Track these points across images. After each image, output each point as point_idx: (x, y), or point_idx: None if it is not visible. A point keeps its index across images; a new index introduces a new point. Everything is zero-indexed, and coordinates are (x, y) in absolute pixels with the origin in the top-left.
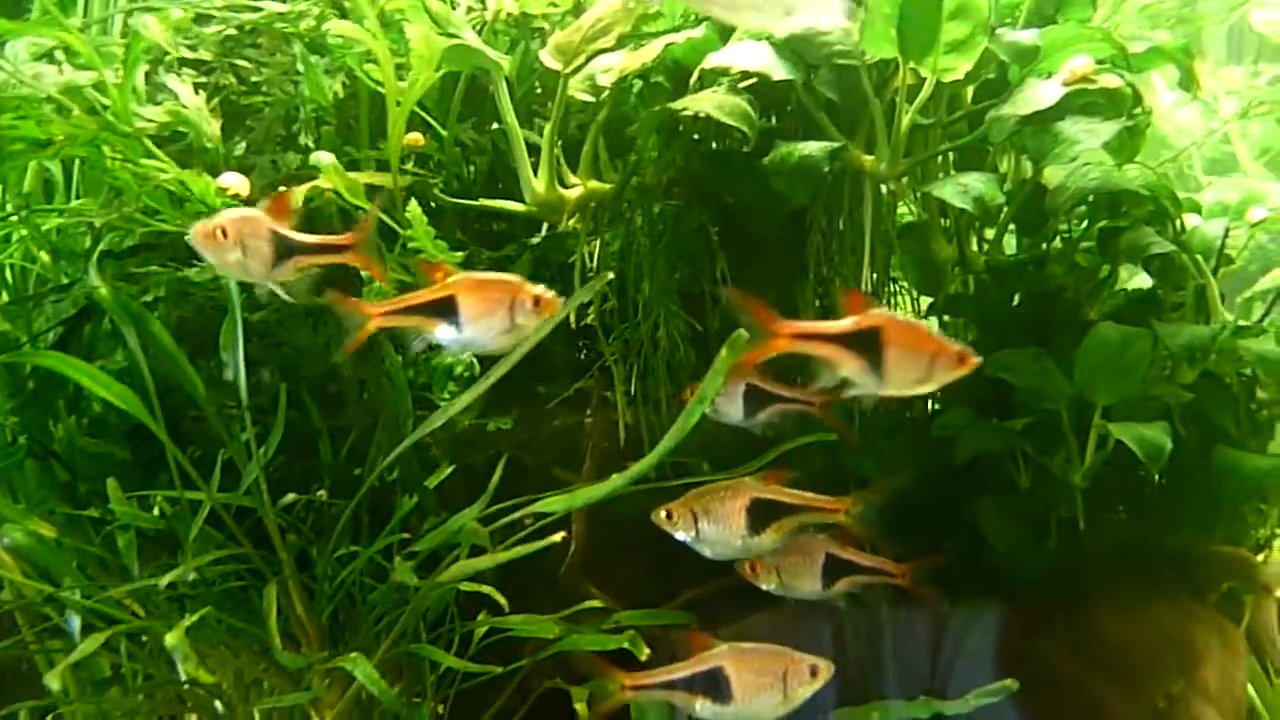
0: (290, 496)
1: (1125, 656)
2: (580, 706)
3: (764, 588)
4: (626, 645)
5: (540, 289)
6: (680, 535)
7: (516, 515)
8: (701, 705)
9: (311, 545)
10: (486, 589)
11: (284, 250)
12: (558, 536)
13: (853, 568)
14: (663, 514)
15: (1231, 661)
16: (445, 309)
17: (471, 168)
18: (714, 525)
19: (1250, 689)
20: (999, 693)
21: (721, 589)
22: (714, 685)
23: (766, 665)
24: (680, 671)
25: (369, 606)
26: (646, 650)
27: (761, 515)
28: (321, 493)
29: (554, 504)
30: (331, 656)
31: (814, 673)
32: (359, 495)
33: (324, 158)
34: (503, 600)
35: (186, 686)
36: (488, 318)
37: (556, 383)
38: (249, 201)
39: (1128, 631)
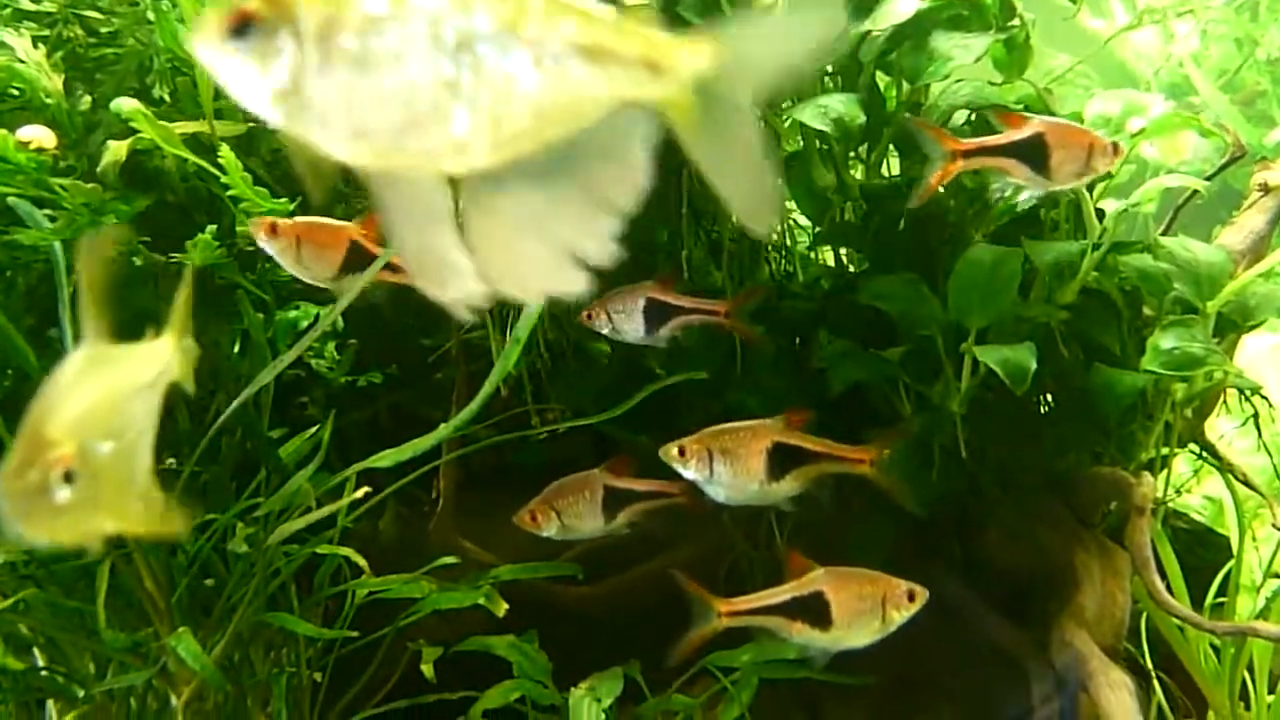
0: None
1: (1013, 583)
2: (427, 669)
3: (545, 533)
4: (482, 601)
5: None
6: (691, 474)
7: (347, 473)
8: (799, 630)
9: None
10: (345, 551)
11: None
12: (360, 492)
13: (633, 496)
14: (674, 450)
15: (1114, 584)
16: None
17: None
18: (730, 467)
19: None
20: None
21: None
22: (813, 610)
23: (865, 590)
24: (778, 597)
25: (225, 576)
26: (504, 605)
27: (782, 461)
28: (170, 460)
29: (384, 460)
30: (174, 632)
31: (911, 597)
32: (190, 461)
33: (125, 104)
34: (363, 562)
35: (44, 673)
36: None
37: (439, 333)
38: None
39: (1015, 557)
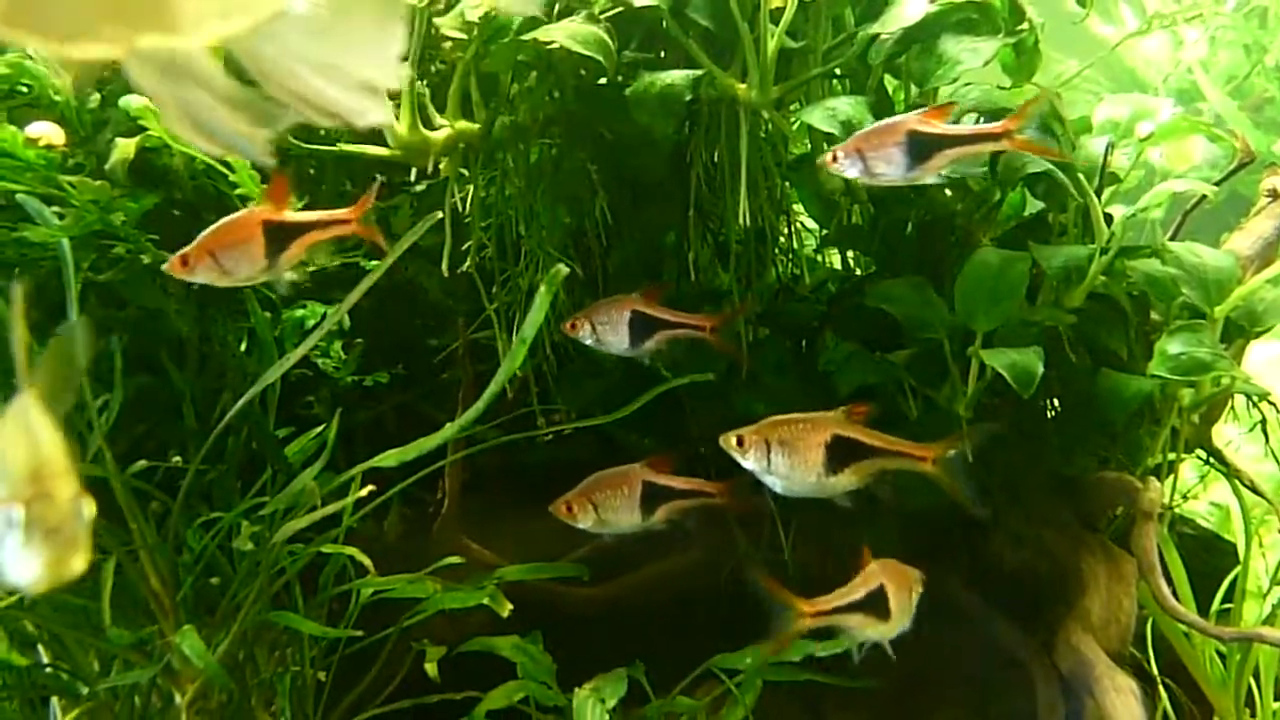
0: (141, 464)
1: (1019, 587)
2: (431, 669)
3: (581, 526)
4: (486, 601)
5: None
6: (749, 464)
7: (353, 472)
8: (865, 624)
9: (168, 515)
10: (350, 550)
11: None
12: (364, 491)
13: (671, 493)
14: (733, 440)
15: (1120, 589)
16: None
17: None
18: (789, 458)
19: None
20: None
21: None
22: (877, 604)
23: (905, 578)
24: (852, 595)
25: (230, 575)
26: (508, 606)
27: (842, 454)
28: (176, 458)
29: (389, 459)
30: (178, 630)
31: (921, 582)
32: (196, 459)
33: (133, 101)
34: (367, 562)
35: (49, 670)
36: None
37: (447, 334)
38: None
39: (1021, 562)
